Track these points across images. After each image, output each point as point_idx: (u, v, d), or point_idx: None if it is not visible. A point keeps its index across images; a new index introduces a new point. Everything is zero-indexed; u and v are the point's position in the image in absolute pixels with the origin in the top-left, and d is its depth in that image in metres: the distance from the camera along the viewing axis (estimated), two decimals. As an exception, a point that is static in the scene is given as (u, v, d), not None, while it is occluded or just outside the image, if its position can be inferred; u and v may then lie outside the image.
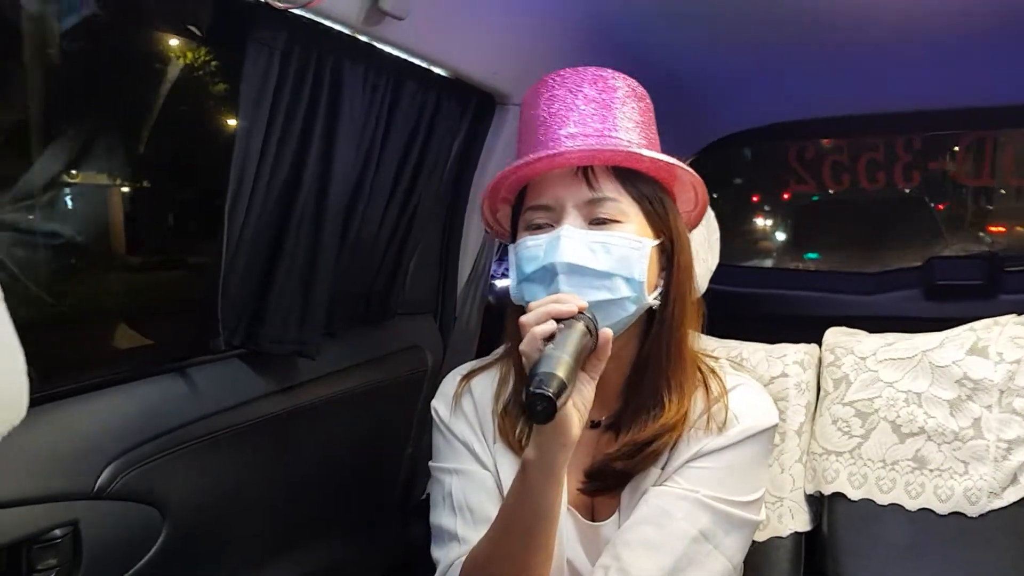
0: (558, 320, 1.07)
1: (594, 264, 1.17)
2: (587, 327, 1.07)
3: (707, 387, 1.28)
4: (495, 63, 1.71)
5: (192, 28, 1.41)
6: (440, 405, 1.36)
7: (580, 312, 1.08)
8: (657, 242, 1.23)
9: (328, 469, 1.66)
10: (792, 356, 1.70)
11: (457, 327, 2.00)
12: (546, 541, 1.14)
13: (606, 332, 1.09)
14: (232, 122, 1.33)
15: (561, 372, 0.97)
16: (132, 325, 1.67)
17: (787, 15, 1.81)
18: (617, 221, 1.20)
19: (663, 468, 1.25)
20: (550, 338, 1.05)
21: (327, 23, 1.33)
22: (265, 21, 1.28)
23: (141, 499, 1.27)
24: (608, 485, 1.26)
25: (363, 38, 1.42)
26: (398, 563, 1.84)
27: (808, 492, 1.64)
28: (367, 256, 1.68)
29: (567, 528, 1.26)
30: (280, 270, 1.45)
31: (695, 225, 1.40)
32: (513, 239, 1.28)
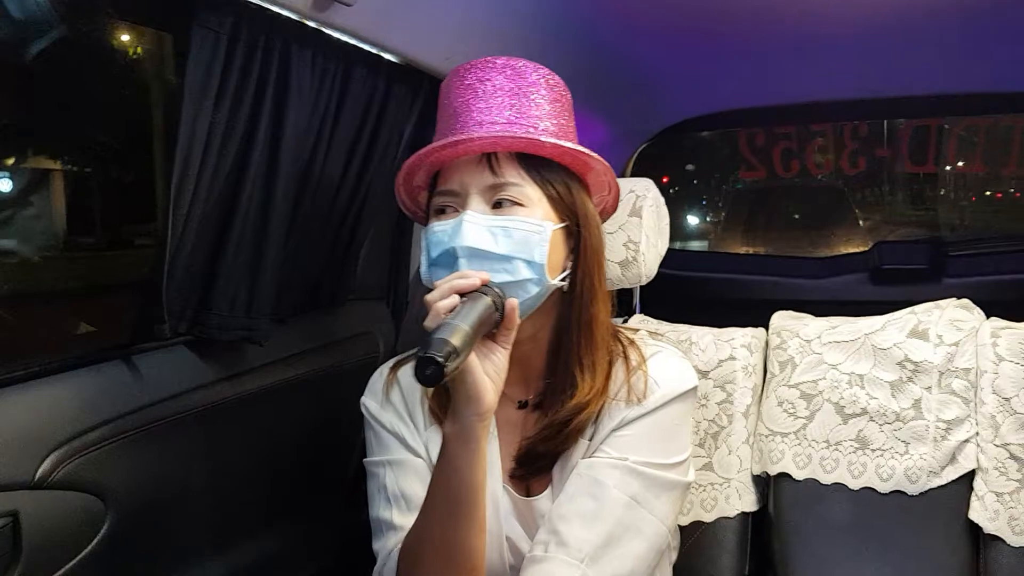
0: (462, 295, 1.10)
1: (494, 247, 1.20)
2: (492, 299, 1.10)
3: (626, 358, 1.32)
4: (447, 49, 1.70)
5: (137, 13, 1.38)
6: (369, 400, 1.38)
7: (484, 285, 1.12)
8: (561, 225, 1.27)
9: (277, 457, 1.65)
10: (740, 340, 1.73)
11: (409, 312, 2.00)
12: (474, 514, 1.16)
13: (511, 301, 1.14)
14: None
15: (454, 339, 1.00)
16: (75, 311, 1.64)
17: (738, 3, 1.83)
18: (520, 204, 1.24)
19: (590, 440, 1.28)
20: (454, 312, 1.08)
21: (274, 8, 1.32)
22: (211, 6, 1.27)
23: (83, 488, 1.25)
24: (537, 467, 1.29)
25: (312, 23, 1.40)
26: (347, 551, 1.84)
27: (755, 473, 1.67)
28: (317, 241, 1.67)
29: (503, 505, 1.29)
30: (227, 256, 1.43)
31: (612, 211, 1.45)
32: (426, 223, 1.31)
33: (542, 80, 1.31)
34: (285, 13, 1.34)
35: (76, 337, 1.66)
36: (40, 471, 1.18)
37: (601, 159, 1.31)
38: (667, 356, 1.34)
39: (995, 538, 1.50)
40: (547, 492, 1.29)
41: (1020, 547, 1.48)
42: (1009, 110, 2.95)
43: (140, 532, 1.35)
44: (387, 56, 1.61)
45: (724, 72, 2.33)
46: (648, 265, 1.70)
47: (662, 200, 1.75)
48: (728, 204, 5.71)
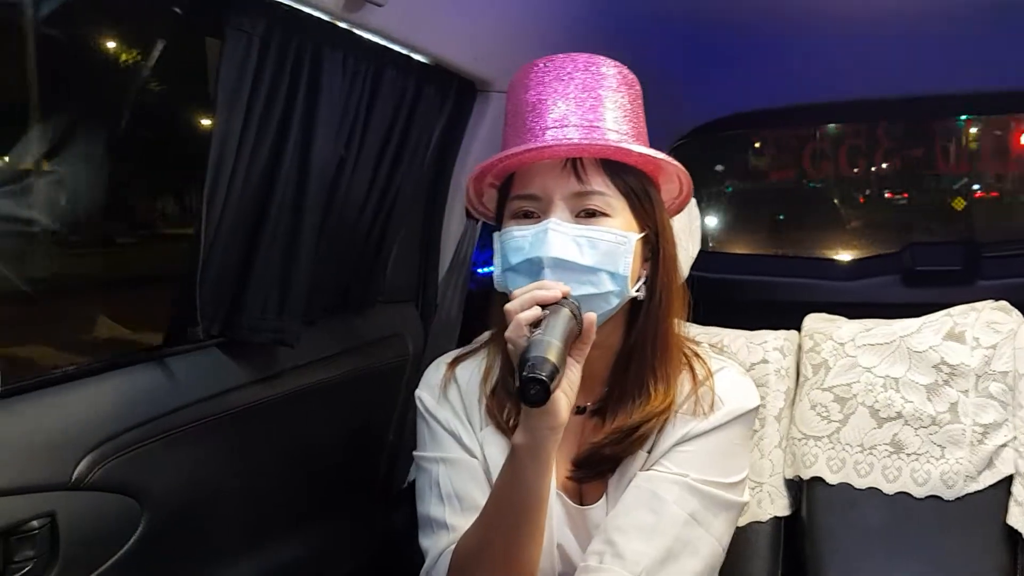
0: (543, 306, 1.08)
1: (580, 259, 1.17)
2: (572, 312, 1.08)
3: (692, 371, 1.30)
4: (476, 49, 1.71)
5: (170, 16, 1.39)
6: (425, 394, 1.36)
7: (564, 297, 1.10)
8: (642, 235, 1.24)
9: (309, 458, 1.66)
10: (772, 342, 1.71)
11: (438, 315, 2.00)
12: (536, 525, 1.15)
13: (590, 316, 1.10)
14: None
15: (552, 356, 0.99)
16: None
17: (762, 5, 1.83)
18: (605, 215, 1.21)
19: (650, 451, 1.26)
20: (535, 324, 1.06)
21: (306, 9, 1.32)
22: (243, 8, 1.27)
23: (119, 489, 1.26)
24: (597, 471, 1.28)
25: (343, 24, 1.41)
26: (381, 551, 1.84)
27: (787, 477, 1.65)
28: (347, 244, 1.67)
29: (556, 512, 1.26)
30: (259, 258, 1.44)
31: (677, 212, 1.42)
32: (499, 225, 1.28)
33: (620, 77, 1.27)
34: (317, 14, 1.35)
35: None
36: (77, 472, 1.19)
37: (678, 164, 1.27)
38: (732, 372, 1.32)
39: None
40: (601, 502, 1.28)
41: None
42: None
43: (175, 533, 1.36)
44: (417, 57, 1.62)
45: (754, 72, 2.31)
46: (680, 268, 1.68)
47: (693, 202, 1.73)
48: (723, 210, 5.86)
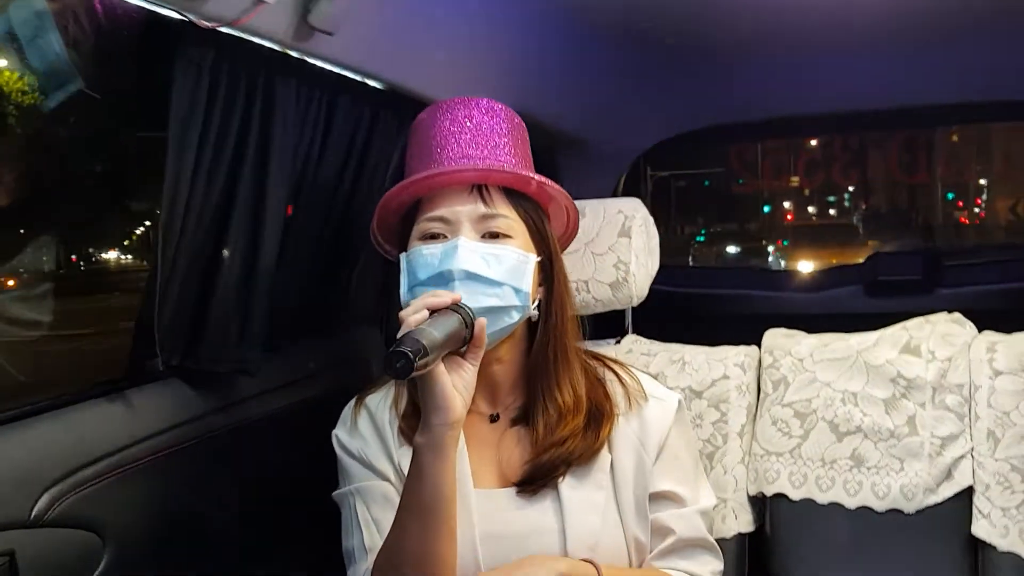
0: (434, 311, 1.15)
1: (487, 272, 1.26)
2: (462, 317, 1.16)
3: (616, 373, 1.40)
4: (432, 74, 1.71)
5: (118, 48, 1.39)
6: (340, 432, 1.41)
7: (455, 304, 1.17)
8: (539, 258, 1.34)
9: (273, 486, 1.64)
10: (733, 358, 1.73)
11: (402, 337, 1.99)
12: (445, 522, 1.20)
13: (480, 321, 1.18)
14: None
15: (422, 338, 1.06)
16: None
17: (717, 21, 1.85)
18: (508, 236, 1.31)
19: (612, 453, 1.33)
20: None
21: (256, 40, 1.32)
22: (193, 39, 1.27)
23: (80, 525, 1.25)
24: (548, 480, 1.31)
25: (294, 53, 1.41)
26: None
27: (751, 493, 1.66)
28: (308, 270, 1.67)
29: (475, 508, 1.30)
30: (217, 288, 1.44)
31: (567, 244, 1.52)
32: (403, 249, 1.35)
33: (514, 119, 1.41)
34: (267, 44, 1.35)
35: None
36: (36, 509, 1.18)
37: (566, 193, 1.39)
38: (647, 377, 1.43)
39: (1006, 554, 1.49)
40: (550, 499, 1.31)
41: None
42: (1002, 118, 2.97)
43: (138, 567, 1.34)
44: (372, 83, 1.62)
45: (709, 89, 2.34)
46: (639, 285, 1.70)
47: (651, 220, 1.75)
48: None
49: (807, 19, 1.88)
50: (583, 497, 1.30)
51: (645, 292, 1.72)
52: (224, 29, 1.23)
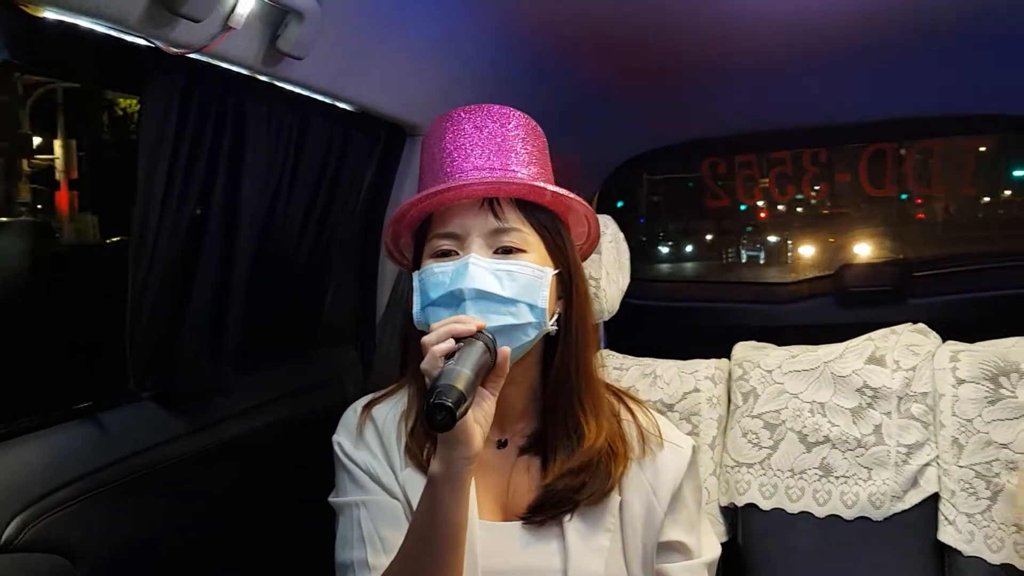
0: (458, 339, 1.11)
1: (500, 290, 1.21)
2: (486, 345, 1.11)
3: (632, 413, 1.35)
4: (403, 95, 1.73)
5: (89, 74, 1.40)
6: (342, 438, 1.35)
7: (479, 331, 1.13)
8: (556, 271, 1.28)
9: (248, 507, 1.64)
10: (703, 372, 1.75)
11: (378, 355, 2.01)
12: (456, 555, 1.16)
13: (504, 350, 1.14)
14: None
15: (460, 384, 1.01)
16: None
17: (687, 39, 1.88)
18: (521, 251, 1.26)
19: (621, 496, 1.29)
20: (449, 356, 1.09)
21: (225, 65, 1.34)
22: (162, 64, 1.28)
23: (51, 550, 1.23)
24: (557, 512, 1.28)
25: (264, 78, 1.42)
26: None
27: (722, 504, 1.68)
28: (282, 290, 1.68)
29: (480, 539, 1.26)
30: (190, 310, 1.44)
31: (588, 255, 1.46)
32: (416, 267, 1.31)
33: (530, 127, 1.34)
34: (236, 69, 1.36)
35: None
36: (6, 534, 1.17)
37: (585, 203, 1.33)
38: (660, 417, 1.39)
39: (971, 559, 1.52)
40: (555, 542, 1.28)
41: (1001, 564, 1.51)
42: (968, 132, 3.02)
43: (111, 592, 1.34)
44: (343, 105, 1.64)
45: (681, 105, 2.37)
46: (610, 301, 1.72)
47: (621, 236, 1.77)
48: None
49: (779, 37, 1.91)
50: (588, 539, 1.26)
51: (616, 307, 1.74)
52: (193, 55, 1.25)
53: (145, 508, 1.41)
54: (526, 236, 1.26)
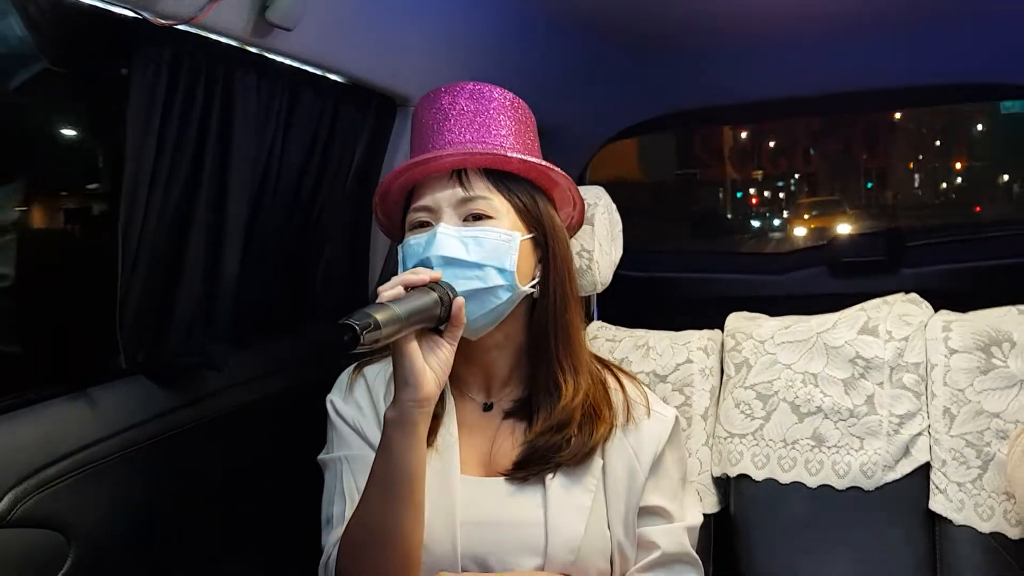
0: (410, 288, 1.17)
1: (466, 255, 1.27)
2: (439, 296, 1.18)
3: (619, 382, 1.41)
4: (394, 67, 1.71)
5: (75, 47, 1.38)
6: (334, 396, 1.41)
7: (435, 283, 1.19)
8: (529, 236, 1.34)
9: (240, 481, 1.65)
10: (696, 343, 1.75)
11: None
12: (409, 498, 1.20)
13: (459, 300, 1.20)
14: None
15: (378, 314, 1.07)
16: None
17: (679, 7, 1.86)
18: (489, 217, 1.32)
19: (604, 461, 1.34)
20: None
21: (214, 36, 1.32)
22: (150, 36, 1.27)
23: (44, 525, 1.25)
24: (538, 469, 1.32)
25: (253, 49, 1.41)
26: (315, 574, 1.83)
27: (715, 474, 1.69)
28: (273, 264, 1.67)
29: (460, 494, 1.30)
30: (181, 284, 1.44)
31: (579, 224, 1.52)
32: (401, 239, 1.37)
33: (507, 102, 1.39)
34: (225, 40, 1.35)
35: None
36: None
37: (563, 173, 1.38)
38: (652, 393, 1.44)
39: (962, 527, 1.53)
40: (538, 496, 1.31)
41: (991, 533, 1.51)
42: (966, 99, 3.02)
43: (105, 566, 1.35)
44: (333, 76, 1.62)
45: (671, 76, 2.36)
46: (603, 273, 1.71)
47: (614, 207, 1.76)
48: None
49: (767, 5, 1.90)
50: (570, 497, 1.30)
51: (609, 278, 1.73)
52: (181, 27, 1.24)
53: (138, 482, 1.41)
54: (494, 203, 1.32)
